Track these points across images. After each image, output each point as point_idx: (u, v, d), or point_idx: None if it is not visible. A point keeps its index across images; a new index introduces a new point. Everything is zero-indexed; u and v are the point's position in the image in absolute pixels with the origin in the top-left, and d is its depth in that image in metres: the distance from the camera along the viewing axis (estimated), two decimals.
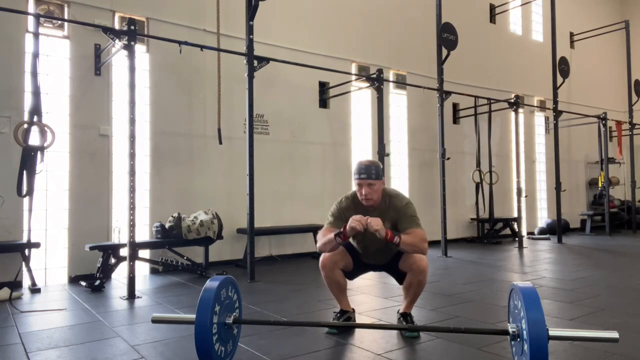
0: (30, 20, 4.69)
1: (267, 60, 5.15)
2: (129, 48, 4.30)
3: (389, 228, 2.87)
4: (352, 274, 3.17)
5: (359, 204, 2.95)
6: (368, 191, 2.85)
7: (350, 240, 3.08)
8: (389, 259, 3.07)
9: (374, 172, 2.85)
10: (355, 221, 2.67)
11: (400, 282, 3.07)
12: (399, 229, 2.89)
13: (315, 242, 6.49)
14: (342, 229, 2.75)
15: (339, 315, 3.11)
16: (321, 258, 3.05)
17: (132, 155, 4.18)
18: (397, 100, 8.06)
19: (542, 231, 9.68)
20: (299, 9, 6.89)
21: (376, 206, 2.94)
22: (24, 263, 4.46)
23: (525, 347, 1.98)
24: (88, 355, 2.63)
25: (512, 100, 7.99)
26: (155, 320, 2.37)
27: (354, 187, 2.96)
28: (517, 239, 8.00)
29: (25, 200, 4.37)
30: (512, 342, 2.21)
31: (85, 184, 5.13)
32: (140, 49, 5.41)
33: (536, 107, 10.23)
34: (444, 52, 6.96)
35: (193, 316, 2.21)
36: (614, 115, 11.01)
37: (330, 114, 7.10)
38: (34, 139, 4.32)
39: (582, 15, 11.72)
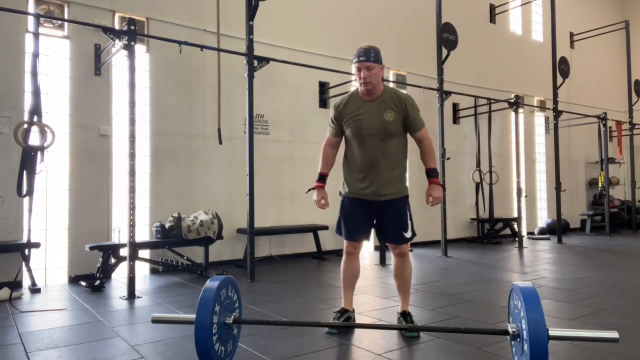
0: (30, 20, 4.69)
1: (267, 60, 5.15)
2: (129, 48, 4.30)
3: (392, 118, 2.87)
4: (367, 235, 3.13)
5: (356, 98, 2.95)
6: (367, 74, 2.82)
7: (345, 130, 3.00)
8: (385, 175, 2.92)
9: (372, 55, 2.84)
10: (318, 204, 3.02)
11: (381, 239, 3.25)
12: (409, 125, 2.92)
13: (316, 242, 6.51)
14: (317, 183, 3.07)
15: (339, 314, 3.11)
16: (347, 245, 3.05)
17: (132, 155, 4.18)
18: None
19: (542, 231, 9.68)
20: (298, 9, 6.89)
21: (376, 96, 2.90)
22: (24, 263, 4.46)
23: (525, 347, 1.98)
24: (88, 355, 2.63)
25: (512, 100, 7.99)
26: (155, 320, 2.37)
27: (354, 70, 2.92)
28: (517, 239, 7.99)
29: (25, 200, 4.37)
30: (512, 342, 2.21)
31: (85, 184, 5.13)
32: (140, 49, 5.41)
33: (536, 107, 10.23)
34: (444, 52, 6.96)
35: (193, 316, 2.21)
36: (614, 115, 11.01)
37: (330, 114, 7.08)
38: (34, 139, 4.32)
39: (582, 15, 11.72)
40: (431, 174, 2.97)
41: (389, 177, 2.93)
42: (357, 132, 2.93)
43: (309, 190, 3.17)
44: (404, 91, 7.37)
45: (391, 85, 7.80)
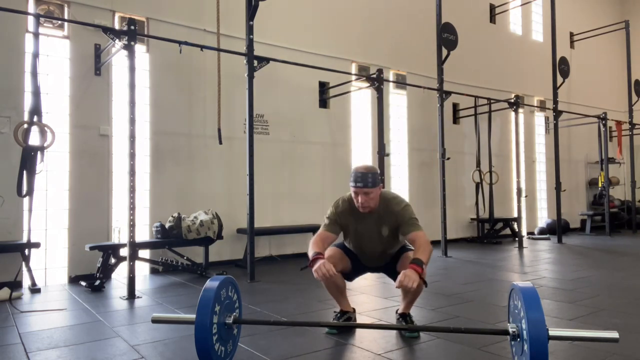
0: (30, 20, 4.69)
1: (267, 60, 5.15)
2: (129, 48, 4.30)
3: (388, 232, 2.91)
4: (350, 276, 3.17)
5: (355, 208, 2.94)
6: (364, 199, 2.83)
7: (346, 243, 3.09)
8: (386, 261, 3.07)
9: (370, 180, 2.81)
10: (319, 274, 2.61)
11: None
12: (400, 233, 2.90)
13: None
14: (317, 256, 2.68)
15: (339, 315, 3.11)
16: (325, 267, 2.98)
17: (132, 155, 4.18)
18: (397, 100, 8.06)
19: (542, 231, 9.68)
20: (298, 9, 6.89)
21: (373, 211, 2.92)
22: (24, 263, 4.46)
23: (525, 347, 1.98)
24: (88, 355, 2.63)
25: (512, 100, 7.99)
26: (155, 320, 2.37)
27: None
28: (517, 239, 7.99)
29: (25, 200, 4.37)
30: (512, 342, 2.21)
31: (85, 184, 5.13)
32: (140, 49, 5.41)
33: (536, 107, 10.23)
34: (444, 52, 6.96)
35: (193, 316, 2.21)
36: (614, 115, 11.00)
37: (330, 114, 7.10)
38: (34, 139, 4.32)
39: (582, 15, 11.72)
40: (414, 261, 2.59)
41: (386, 260, 3.11)
42: (358, 244, 3.06)
43: (305, 267, 2.84)
44: (404, 92, 7.27)
45: (391, 85, 7.81)
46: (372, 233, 2.95)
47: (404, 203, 2.94)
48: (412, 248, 2.95)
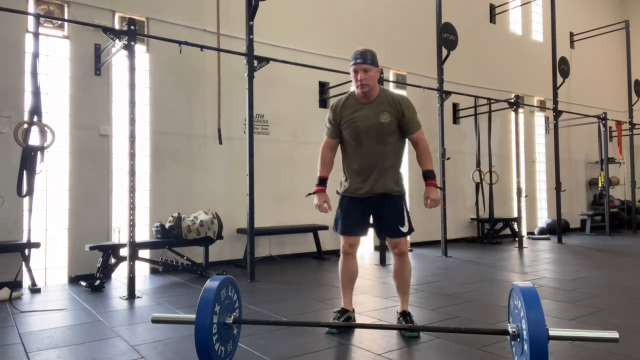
0: (30, 20, 4.69)
1: (267, 60, 5.15)
2: (129, 48, 4.30)
3: (387, 120, 2.89)
4: (355, 229, 3.09)
5: (352, 100, 2.97)
6: (363, 76, 2.84)
7: (343, 131, 3.02)
8: (383, 163, 2.92)
9: (369, 57, 2.86)
10: (320, 208, 3.01)
11: (380, 235, 3.15)
12: (405, 126, 2.93)
13: (316, 242, 6.51)
14: (317, 187, 3.06)
15: (339, 314, 3.11)
16: (344, 243, 3.05)
17: (132, 155, 4.18)
18: None
19: (542, 231, 9.68)
20: (298, 8, 6.89)
21: (372, 98, 2.92)
22: (24, 263, 4.46)
23: (525, 347, 1.98)
24: (88, 355, 2.63)
25: (512, 100, 7.99)
26: (155, 320, 2.37)
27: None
28: (517, 239, 7.99)
29: (25, 200, 4.37)
30: (512, 342, 2.21)
31: (85, 184, 5.13)
32: (140, 49, 5.41)
33: (536, 107, 10.23)
34: (444, 52, 6.96)
35: (193, 316, 2.21)
36: (614, 115, 11.01)
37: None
38: (34, 139, 4.32)
39: (582, 15, 11.72)
40: (428, 175, 2.94)
41: (385, 177, 2.95)
42: (354, 134, 2.96)
43: (310, 194, 3.15)
44: (404, 92, 7.26)
45: (391, 85, 7.81)
46: (370, 119, 2.91)
47: (407, 99, 2.99)
48: (402, 230, 2.95)
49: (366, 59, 2.86)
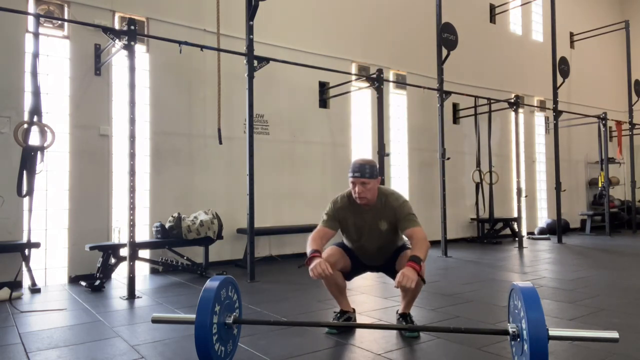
0: (30, 20, 4.69)
1: (267, 60, 5.15)
2: (129, 48, 4.30)
3: (386, 227, 2.91)
4: (349, 275, 3.16)
5: (354, 203, 2.95)
6: (361, 190, 2.85)
7: (346, 242, 3.08)
8: (386, 258, 3.07)
9: (368, 171, 2.85)
10: (314, 273, 2.64)
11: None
12: (398, 228, 2.91)
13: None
14: (313, 254, 2.73)
15: (339, 315, 3.11)
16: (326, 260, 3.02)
17: (132, 155, 4.18)
18: (397, 100, 8.06)
19: (542, 231, 9.68)
20: (299, 9, 6.89)
21: (371, 205, 2.93)
22: (24, 263, 4.46)
23: (525, 347, 1.98)
24: (88, 355, 2.63)
25: (512, 100, 7.99)
26: (155, 320, 2.37)
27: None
28: (517, 239, 7.99)
29: (25, 200, 4.37)
30: (512, 342, 2.21)
31: (85, 184, 5.13)
32: (140, 49, 5.41)
33: (536, 107, 10.23)
34: (444, 52, 6.96)
35: (193, 316, 2.21)
36: (614, 115, 11.00)
37: (330, 114, 7.10)
38: (34, 139, 4.32)
39: (582, 15, 11.72)
40: (412, 258, 2.59)
41: (385, 256, 3.08)
42: (355, 236, 3.03)
43: (302, 265, 2.86)
44: (404, 92, 7.26)
45: (391, 85, 7.81)
46: (371, 228, 2.95)
47: (402, 199, 2.96)
48: (410, 247, 2.96)
49: (364, 172, 2.83)
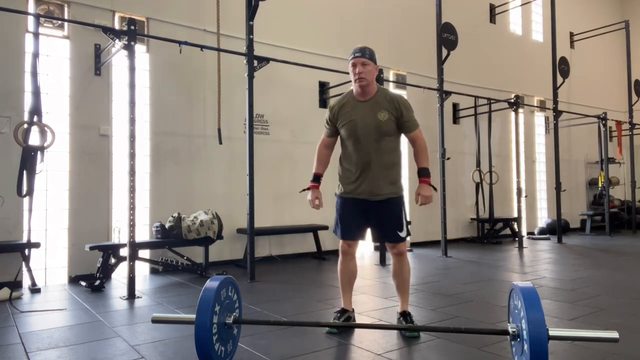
0: (30, 20, 4.69)
1: (267, 60, 5.15)
2: (129, 48, 4.30)
3: (385, 117, 2.90)
4: (354, 232, 3.10)
5: (351, 99, 2.99)
6: (362, 70, 2.86)
7: (340, 130, 3.04)
8: (381, 162, 2.93)
9: (368, 53, 2.91)
10: (312, 203, 3.05)
11: (378, 240, 3.25)
12: (402, 125, 2.95)
13: (316, 242, 6.51)
14: (311, 183, 3.11)
15: (339, 314, 3.11)
16: (342, 244, 3.07)
17: (132, 155, 4.18)
18: None
19: (542, 231, 9.68)
20: (299, 8, 6.89)
21: (370, 97, 2.94)
22: (24, 263, 4.46)
23: (525, 347, 1.98)
24: (88, 355, 2.63)
25: (512, 100, 7.99)
26: (155, 320, 2.37)
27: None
28: (517, 239, 7.99)
29: (25, 200, 4.37)
30: (512, 342, 2.21)
31: (85, 184, 5.13)
32: (140, 49, 5.41)
33: (536, 107, 10.23)
34: (444, 52, 6.96)
35: (193, 316, 2.21)
36: (614, 115, 11.01)
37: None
38: (34, 139, 4.32)
39: (582, 15, 11.72)
40: (422, 173, 2.96)
41: (383, 176, 2.95)
42: (352, 132, 2.96)
43: (304, 190, 3.20)
44: (404, 92, 7.25)
45: (391, 85, 7.81)
46: (368, 117, 2.92)
47: (405, 99, 3.03)
48: (400, 235, 2.95)
49: (365, 53, 2.90)
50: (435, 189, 2.97)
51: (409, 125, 2.97)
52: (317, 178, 3.15)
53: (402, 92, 8.06)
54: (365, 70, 2.86)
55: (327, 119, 3.11)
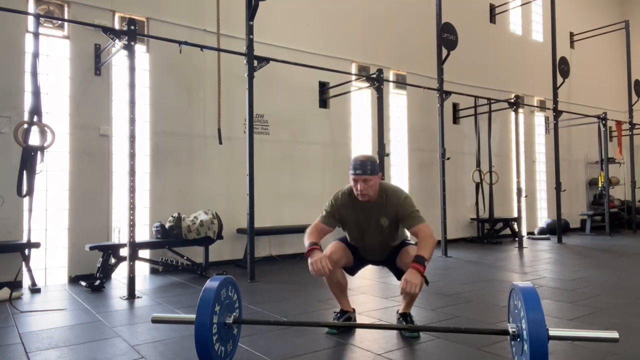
0: (30, 20, 4.69)
1: (267, 60, 5.15)
2: (129, 48, 4.30)
3: (387, 223, 2.90)
4: (352, 270, 3.18)
5: (355, 200, 2.95)
6: (363, 187, 2.84)
7: (348, 237, 3.09)
8: (387, 254, 3.06)
9: (369, 167, 2.84)
10: (314, 268, 2.66)
11: (399, 277, 3.00)
12: (402, 226, 2.92)
13: None
14: (312, 246, 2.75)
15: (339, 315, 3.11)
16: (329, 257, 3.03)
17: (132, 155, 4.18)
18: (397, 100, 8.06)
19: (542, 231, 9.68)
20: (299, 9, 6.89)
21: (373, 202, 2.93)
22: (24, 263, 4.46)
23: (525, 347, 1.98)
24: (88, 355, 2.63)
25: (512, 100, 7.99)
26: (155, 320, 2.37)
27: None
28: (517, 239, 7.99)
29: (25, 200, 4.37)
30: (512, 342, 2.21)
31: (85, 184, 5.13)
32: (140, 49, 5.41)
33: (536, 107, 10.23)
34: (444, 52, 6.96)
35: (193, 316, 2.21)
36: (614, 115, 11.00)
37: (330, 114, 7.10)
38: (34, 139, 4.32)
39: (582, 15, 11.72)
40: (416, 259, 2.60)
41: (387, 250, 3.07)
42: (356, 231, 3.03)
43: (304, 256, 2.88)
44: (404, 92, 7.23)
45: (391, 85, 7.81)
46: (372, 223, 2.95)
47: (404, 195, 2.96)
48: (411, 242, 2.99)
49: (366, 169, 2.81)
50: (427, 282, 2.63)
51: (407, 222, 2.87)
52: (315, 244, 2.81)
53: (402, 92, 8.07)
54: (367, 186, 2.84)
55: (329, 210, 3.00)
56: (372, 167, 2.85)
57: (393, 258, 3.03)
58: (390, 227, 2.94)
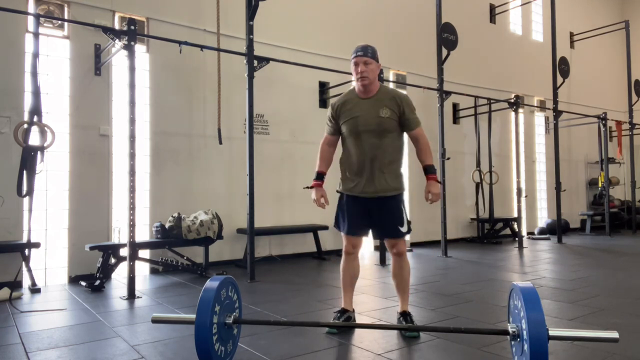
0: (30, 20, 4.69)
1: (267, 60, 5.15)
2: (129, 48, 4.30)
3: (387, 115, 2.91)
4: (356, 230, 3.10)
5: (353, 96, 3.01)
6: (364, 69, 2.88)
7: (342, 127, 3.05)
8: (381, 160, 2.92)
9: (370, 51, 2.93)
10: (317, 202, 3.04)
11: (378, 237, 3.30)
12: (404, 124, 2.96)
13: (316, 242, 6.51)
14: (314, 182, 3.08)
15: (339, 314, 3.11)
16: (347, 244, 3.07)
17: (132, 155, 4.18)
18: None
19: (542, 231, 9.68)
20: (299, 9, 6.89)
21: (372, 95, 2.96)
22: (24, 263, 4.46)
23: (525, 347, 1.98)
24: (88, 355, 2.63)
25: (512, 100, 7.99)
26: (155, 320, 2.37)
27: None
28: (517, 239, 7.99)
29: (25, 200, 4.37)
30: (512, 342, 2.21)
31: (85, 184, 5.13)
32: (140, 49, 5.41)
33: (536, 107, 10.23)
34: (444, 52, 6.96)
35: (193, 316, 2.21)
36: (614, 115, 11.01)
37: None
38: (34, 139, 4.32)
39: (582, 15, 11.72)
40: (429, 170, 2.95)
41: (384, 174, 2.95)
42: (354, 130, 2.97)
43: (307, 187, 3.18)
44: (404, 91, 7.31)
45: (391, 85, 7.81)
46: (370, 113, 2.93)
47: (407, 96, 3.03)
48: (402, 231, 2.95)
49: (367, 52, 2.92)
50: (440, 183, 3.00)
51: (410, 122, 2.97)
52: (320, 176, 3.13)
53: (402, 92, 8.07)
54: (367, 69, 2.88)
55: (329, 117, 3.12)
56: (373, 52, 2.96)
57: (386, 218, 2.95)
58: (390, 120, 2.90)
